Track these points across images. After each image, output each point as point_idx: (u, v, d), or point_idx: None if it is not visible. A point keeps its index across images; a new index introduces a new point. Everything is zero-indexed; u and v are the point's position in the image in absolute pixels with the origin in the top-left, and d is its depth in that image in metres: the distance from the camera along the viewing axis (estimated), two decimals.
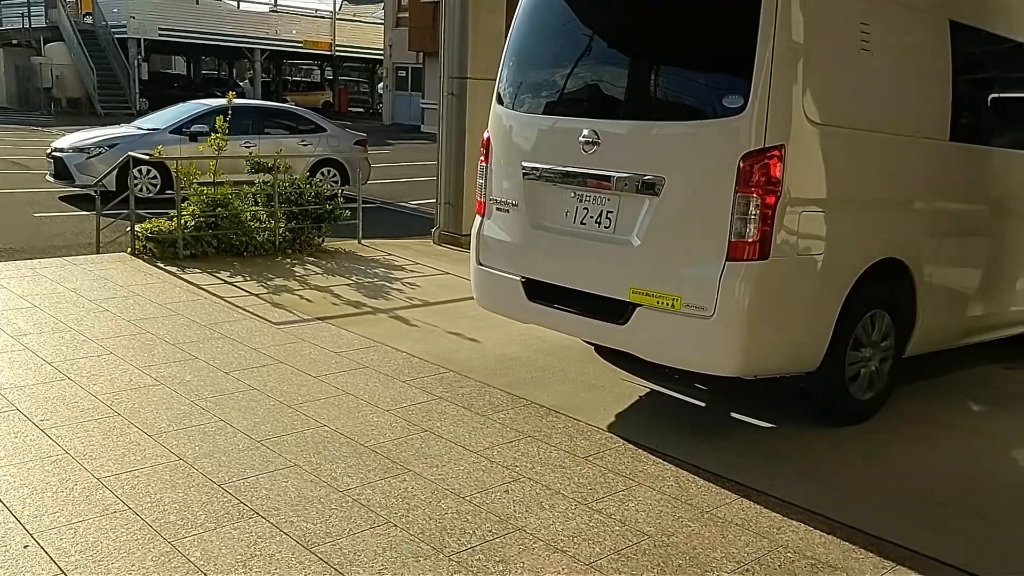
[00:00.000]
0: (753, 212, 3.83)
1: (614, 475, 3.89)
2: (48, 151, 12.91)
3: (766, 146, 3.84)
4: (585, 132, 4.39)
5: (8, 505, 3.39)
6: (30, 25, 31.11)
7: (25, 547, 3.10)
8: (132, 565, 3.00)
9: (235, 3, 42.17)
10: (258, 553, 3.12)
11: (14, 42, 31.45)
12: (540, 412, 4.61)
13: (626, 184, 4.25)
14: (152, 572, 2.97)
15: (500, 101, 5.03)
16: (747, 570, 3.14)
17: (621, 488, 3.76)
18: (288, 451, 3.98)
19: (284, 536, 3.24)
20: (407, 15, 32.73)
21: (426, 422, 4.41)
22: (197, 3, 38.26)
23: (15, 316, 5.96)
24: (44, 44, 31.37)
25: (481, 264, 5.07)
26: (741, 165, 3.84)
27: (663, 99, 4.45)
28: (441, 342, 5.81)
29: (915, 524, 3.55)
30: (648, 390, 4.99)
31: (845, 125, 4.18)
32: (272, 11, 42.56)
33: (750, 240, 3.85)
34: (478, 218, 5.13)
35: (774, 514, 3.58)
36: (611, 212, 4.34)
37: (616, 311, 4.28)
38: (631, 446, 4.20)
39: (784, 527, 3.48)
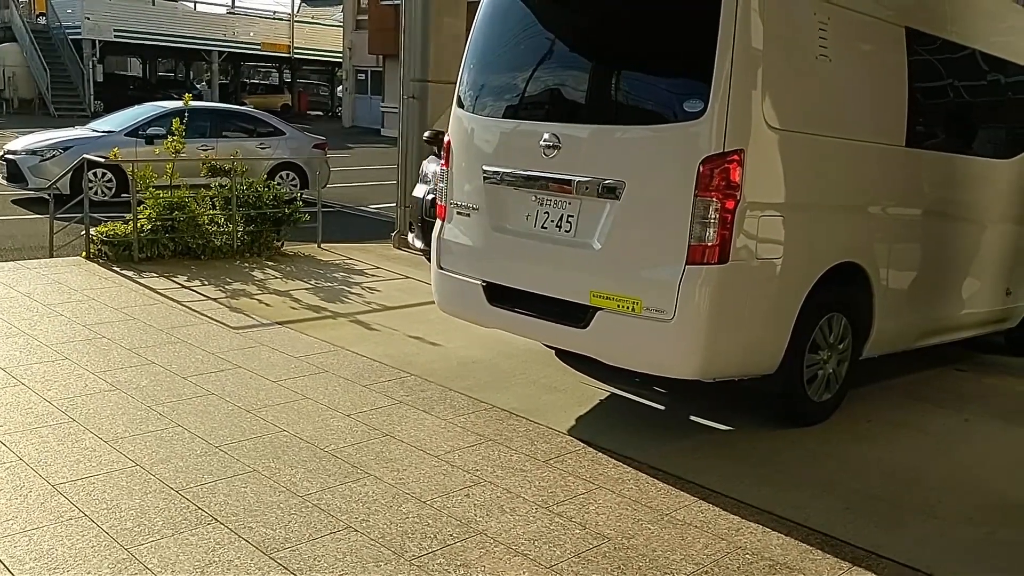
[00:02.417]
0: (712, 216, 3.88)
1: (574, 478, 3.91)
2: (0, 153, 12.62)
3: (725, 150, 3.89)
4: (546, 136, 4.42)
5: None
6: None
7: None
8: (88, 572, 2.95)
9: (192, 5, 41.62)
10: (216, 559, 3.08)
11: None
12: (501, 415, 4.62)
13: (587, 188, 4.28)
14: None
15: (460, 104, 5.03)
16: (705, 572, 3.18)
17: (581, 491, 3.78)
18: (246, 456, 3.94)
19: (243, 542, 3.21)
20: (367, 18, 32.60)
21: (386, 426, 4.40)
22: (153, 4, 37.71)
23: None
24: None
25: (442, 268, 5.07)
26: (701, 169, 3.89)
27: (624, 103, 4.50)
28: (401, 346, 5.79)
29: (869, 523, 3.62)
30: (608, 393, 5.03)
31: (804, 130, 4.26)
32: (229, 13, 42.06)
33: (709, 244, 3.90)
34: (439, 222, 5.13)
35: (732, 516, 3.63)
36: (572, 216, 4.37)
37: (577, 315, 4.30)
38: (591, 449, 4.23)
39: (742, 528, 3.53)
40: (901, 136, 4.83)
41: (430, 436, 4.30)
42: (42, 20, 32.26)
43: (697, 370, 4.09)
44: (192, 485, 3.64)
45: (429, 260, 5.53)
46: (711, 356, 4.05)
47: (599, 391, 5.06)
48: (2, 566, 2.96)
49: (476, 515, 3.51)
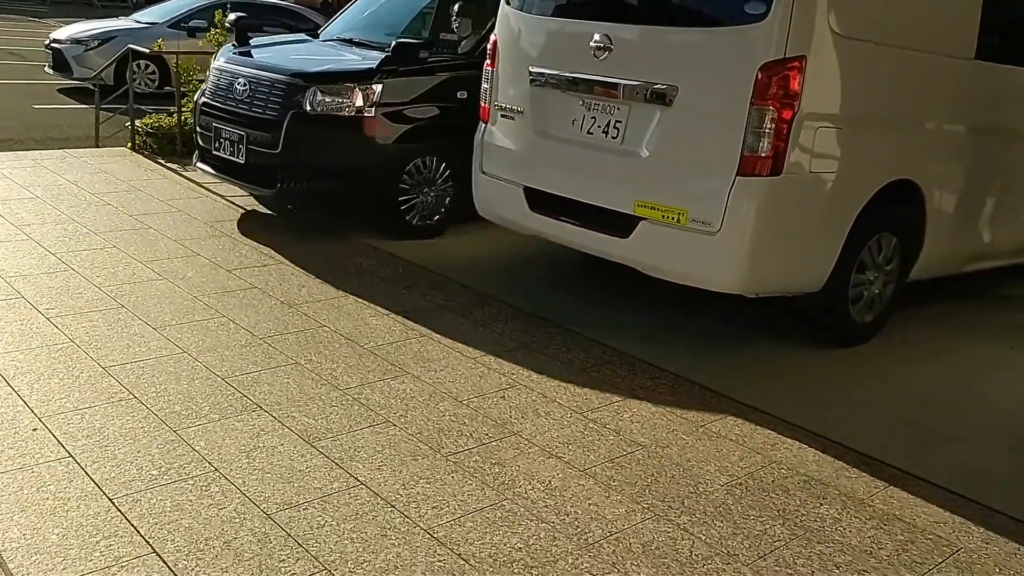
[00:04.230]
0: (768, 126, 3.76)
1: (610, 387, 3.94)
2: (47, 42, 12.61)
3: (786, 56, 3.74)
4: (597, 37, 4.29)
5: (17, 390, 3.43)
6: None
7: (34, 430, 3.15)
8: (138, 452, 3.06)
9: None
10: (261, 445, 3.18)
11: None
12: (538, 323, 4.64)
13: (637, 93, 4.17)
14: (158, 459, 3.03)
15: (509, 2, 4.88)
16: (739, 484, 3.21)
17: (616, 399, 3.82)
18: (289, 349, 4.02)
19: (286, 429, 3.30)
20: None
21: (425, 327, 4.44)
22: None
23: (17, 206, 5.93)
24: None
25: (484, 172, 5.02)
26: (759, 76, 3.75)
27: (681, 3, 4.33)
28: (443, 250, 5.80)
29: (906, 445, 3.62)
30: (645, 305, 5.01)
31: (869, 38, 4.07)
32: None
33: (763, 155, 3.80)
34: (481, 124, 5.06)
35: (768, 431, 3.64)
36: (620, 122, 4.27)
37: (619, 224, 4.25)
38: (628, 359, 4.24)
39: (778, 444, 3.54)
40: (971, 48, 4.59)
41: (467, 339, 4.34)
42: None
43: (741, 285, 4.05)
44: (237, 374, 3.73)
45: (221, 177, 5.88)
46: (756, 271, 4.00)
47: (635, 302, 5.05)
48: (56, 441, 3.08)
49: (511, 417, 3.57)
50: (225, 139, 5.89)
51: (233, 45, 6.49)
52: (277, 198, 6.05)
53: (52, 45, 12.40)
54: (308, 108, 5.55)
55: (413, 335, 4.33)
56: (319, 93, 5.55)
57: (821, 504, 3.12)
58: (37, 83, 12.62)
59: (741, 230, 3.89)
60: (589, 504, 2.99)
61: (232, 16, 6.76)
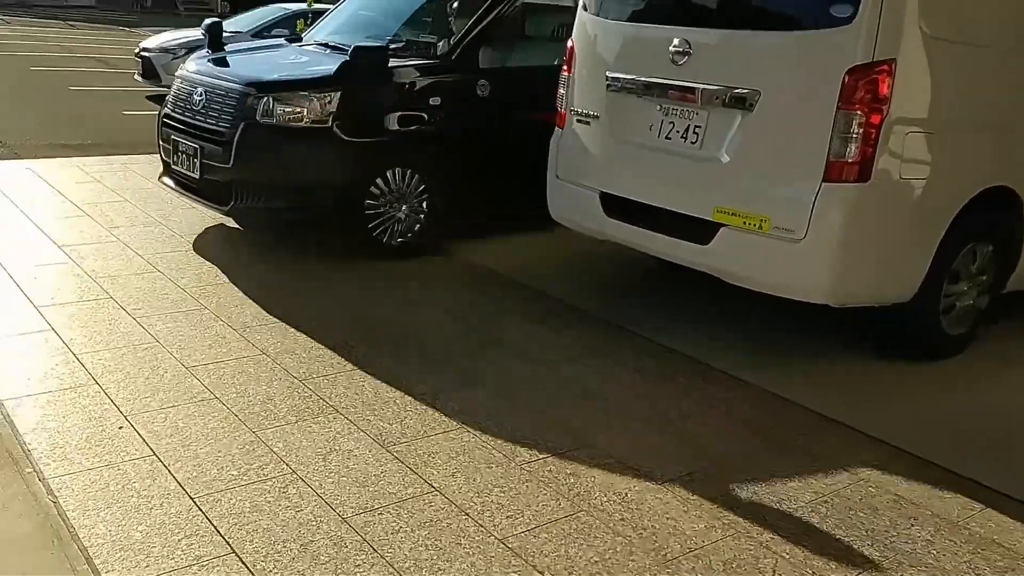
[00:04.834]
0: (856, 131, 3.63)
1: (685, 397, 3.86)
2: (136, 51, 13.09)
3: (875, 59, 3.61)
4: (676, 41, 4.21)
5: (104, 388, 3.54)
6: None
7: (120, 428, 3.24)
8: (219, 451, 3.12)
9: None
10: (337, 448, 3.20)
11: None
12: (611, 328, 4.58)
13: (717, 97, 4.08)
14: (238, 459, 3.08)
15: (586, 8, 4.85)
16: (825, 501, 3.10)
17: (693, 411, 3.73)
18: (364, 353, 4.05)
19: (361, 433, 3.32)
20: None
21: (497, 333, 4.42)
22: None
23: (108, 208, 6.15)
24: None
25: (558, 176, 4.99)
26: (846, 80, 3.63)
27: (763, 6, 4.22)
28: (516, 255, 5.78)
29: (1001, 466, 3.44)
30: (721, 312, 4.90)
31: (962, 40, 3.90)
32: None
33: (850, 160, 3.67)
34: (557, 130, 5.03)
35: (853, 446, 3.51)
36: (699, 127, 4.19)
37: (698, 231, 4.17)
38: (704, 368, 4.15)
39: (864, 460, 3.40)
40: None
41: (539, 345, 4.31)
42: None
43: (827, 295, 3.92)
44: (315, 376, 3.78)
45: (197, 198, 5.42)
46: (843, 281, 3.86)
47: (710, 308, 4.94)
48: (141, 440, 3.17)
49: (585, 426, 3.52)
50: (182, 152, 5.46)
51: (207, 52, 6.11)
52: (231, 216, 5.57)
53: (141, 54, 12.86)
54: (261, 118, 5.10)
55: (485, 341, 4.32)
56: (272, 102, 5.10)
57: (912, 525, 2.98)
58: (127, 90, 13.10)
59: (827, 238, 3.76)
60: (667, 519, 2.92)
61: (207, 21, 6.37)
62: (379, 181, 5.28)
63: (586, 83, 4.79)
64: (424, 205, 5.50)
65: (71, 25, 23.04)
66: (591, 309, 4.84)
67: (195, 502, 2.81)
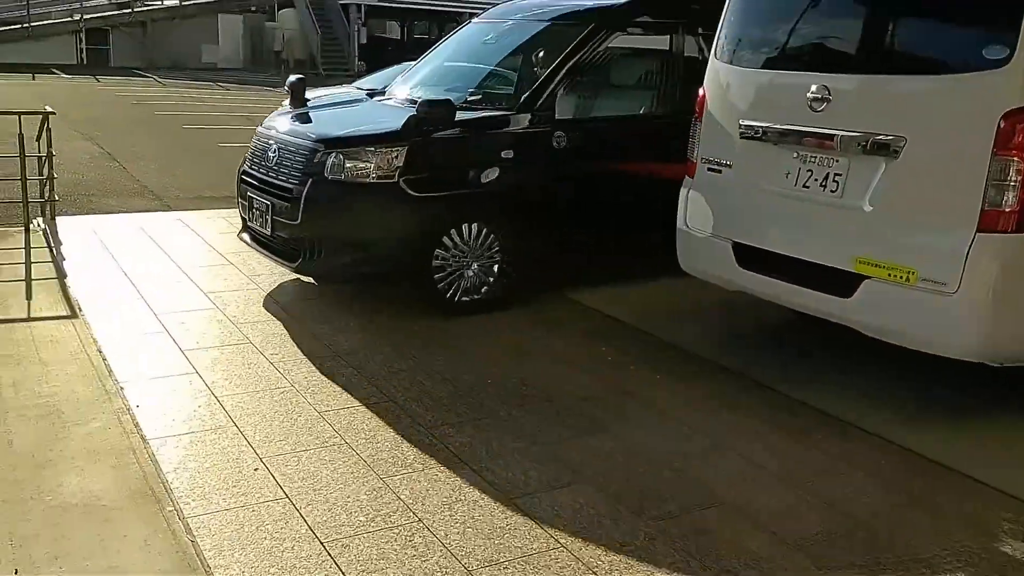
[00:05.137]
0: (1013, 178, 3.40)
1: (821, 453, 3.65)
2: (279, 110, 13.85)
3: None
4: (814, 88, 4.08)
5: (242, 430, 3.68)
6: None
7: (255, 470, 3.35)
8: (347, 496, 3.17)
9: None
10: (462, 498, 3.19)
11: (252, 9, 34.01)
12: (745, 381, 4.41)
13: (859, 144, 3.91)
14: (366, 505, 3.11)
15: (718, 56, 4.79)
16: (971, 566, 2.85)
17: (828, 467, 3.53)
18: (489, 401, 4.05)
19: (487, 484, 3.30)
20: None
21: (623, 384, 4.34)
22: None
23: (248, 257, 6.45)
24: (277, 10, 33.73)
25: (688, 226, 4.89)
26: (1002, 124, 3.41)
27: (906, 50, 4.05)
28: (642, 303, 5.69)
29: None
30: (860, 366, 4.64)
31: None
32: None
33: (1007, 209, 3.43)
34: (687, 179, 4.95)
35: (998, 508, 3.23)
36: (839, 175, 4.02)
37: (839, 283, 3.98)
38: (840, 425, 3.93)
39: (1011, 523, 3.12)
40: None
41: (667, 396, 4.20)
42: None
43: (982, 351, 3.64)
44: (441, 424, 3.80)
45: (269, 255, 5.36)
46: (1001, 337, 3.59)
47: (851, 362, 4.68)
48: (275, 482, 3.25)
49: (716, 481, 3.38)
50: (256, 209, 5.47)
51: (288, 108, 6.11)
52: (299, 273, 5.47)
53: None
54: (328, 174, 5.02)
55: (610, 390, 4.24)
56: (339, 158, 5.02)
57: None
58: None
59: (983, 291, 3.51)
60: None
61: (291, 78, 6.26)
62: (448, 237, 5.14)
63: (718, 131, 4.71)
64: (496, 261, 5.33)
65: (221, 86, 24.75)
66: (721, 361, 4.69)
67: (325, 547, 2.85)
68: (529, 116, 5.35)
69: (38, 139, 6.82)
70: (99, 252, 6.46)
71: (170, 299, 5.42)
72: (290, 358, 4.52)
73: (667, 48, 5.95)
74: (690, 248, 4.92)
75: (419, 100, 5.30)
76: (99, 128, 13.81)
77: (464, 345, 4.82)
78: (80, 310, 5.04)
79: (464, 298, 5.29)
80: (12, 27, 28.75)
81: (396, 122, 5.15)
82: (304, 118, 5.86)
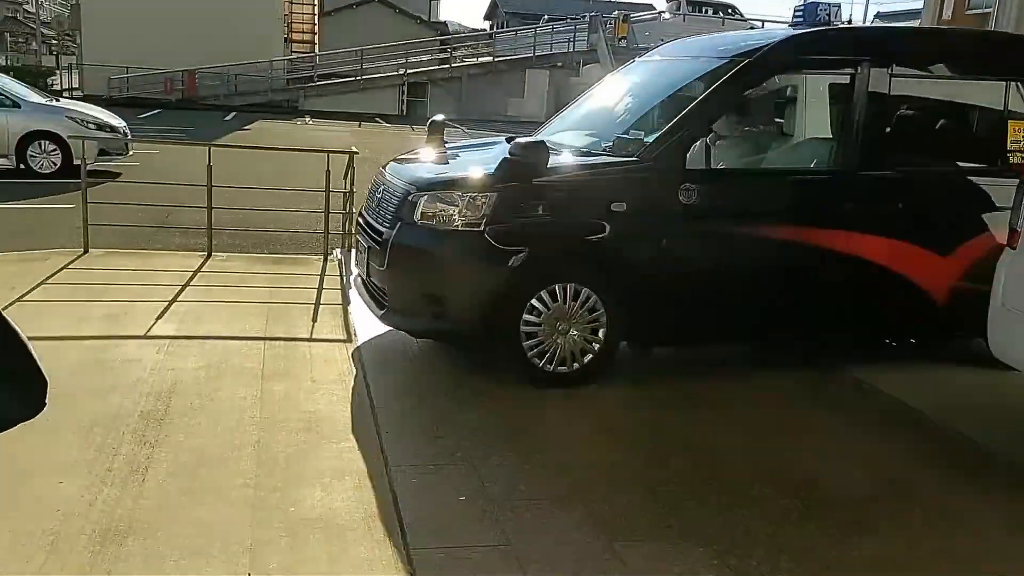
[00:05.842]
0: None
1: None
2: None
3: None
4: None
5: (479, 470, 3.60)
6: (573, 48, 34.96)
7: (484, 511, 3.25)
8: (571, 555, 2.97)
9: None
10: None
11: (559, 64, 35.52)
12: None
13: None
14: (588, 565, 2.89)
15: None
16: None
17: None
18: (738, 484, 3.65)
19: (727, 568, 2.93)
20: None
21: (911, 487, 3.71)
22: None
23: None
24: (582, 66, 34.98)
25: (1006, 306, 4.14)
26: None
27: None
28: (949, 390, 4.92)
29: None
30: None
31: None
32: None
33: None
34: (1007, 250, 4.21)
35: None
36: None
37: None
38: None
39: None
40: None
41: (967, 511, 3.53)
42: (623, 43, 35.79)
43: None
44: (687, 499, 3.48)
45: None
46: None
47: None
48: (501, 529, 3.12)
49: None
50: (360, 251, 5.18)
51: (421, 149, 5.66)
52: (385, 323, 4.92)
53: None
54: (418, 219, 4.55)
55: (891, 495, 3.63)
56: (426, 201, 4.55)
57: None
58: None
59: None
60: None
61: (437, 117, 5.68)
62: (538, 298, 4.46)
63: None
64: (598, 328, 4.56)
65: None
66: None
67: None
68: (650, 164, 4.54)
69: (344, 176, 7.46)
70: None
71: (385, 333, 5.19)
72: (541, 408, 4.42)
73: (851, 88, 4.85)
74: (1009, 332, 4.15)
75: (513, 141, 4.69)
76: None
77: (726, 424, 4.43)
78: (355, 336, 5.30)
79: (555, 369, 4.54)
80: (347, 79, 32.60)
81: (491, 165, 4.65)
82: (417, 159, 5.49)
